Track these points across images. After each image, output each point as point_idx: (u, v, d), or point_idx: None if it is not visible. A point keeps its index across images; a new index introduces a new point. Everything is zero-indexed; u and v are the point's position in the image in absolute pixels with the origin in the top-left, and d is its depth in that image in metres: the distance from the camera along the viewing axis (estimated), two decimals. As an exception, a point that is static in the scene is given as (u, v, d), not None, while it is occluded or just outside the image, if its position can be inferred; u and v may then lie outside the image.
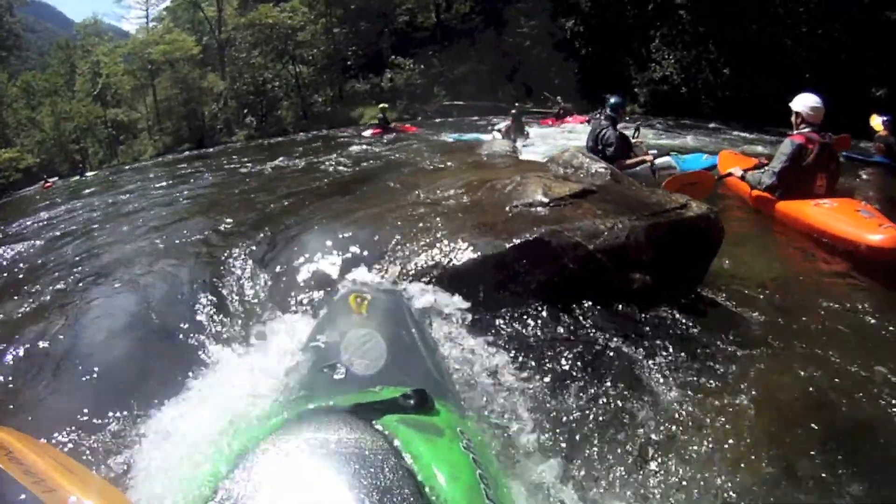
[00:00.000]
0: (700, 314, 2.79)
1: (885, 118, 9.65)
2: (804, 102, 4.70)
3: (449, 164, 5.50)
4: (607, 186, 3.39)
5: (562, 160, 4.22)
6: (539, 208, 2.97)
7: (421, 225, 3.14)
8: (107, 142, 47.16)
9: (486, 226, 2.92)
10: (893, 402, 2.13)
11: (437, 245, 2.85)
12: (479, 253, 2.68)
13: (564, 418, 2.04)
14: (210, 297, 3.21)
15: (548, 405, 2.10)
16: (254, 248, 3.75)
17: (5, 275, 4.96)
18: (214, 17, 41.76)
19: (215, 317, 3.06)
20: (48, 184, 28.66)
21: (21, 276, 4.80)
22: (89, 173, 31.51)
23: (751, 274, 3.53)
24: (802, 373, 2.34)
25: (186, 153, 32.06)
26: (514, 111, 13.36)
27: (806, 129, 4.67)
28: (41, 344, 2.96)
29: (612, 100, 6.30)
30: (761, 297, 3.15)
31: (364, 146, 12.77)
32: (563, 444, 1.93)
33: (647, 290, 2.71)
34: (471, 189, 3.70)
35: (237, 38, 39.19)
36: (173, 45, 40.67)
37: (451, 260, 2.73)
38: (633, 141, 6.52)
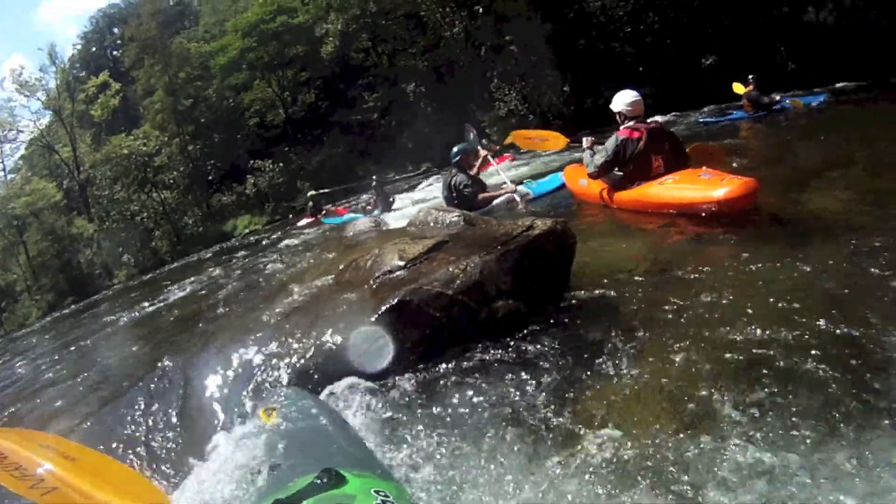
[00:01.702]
0: (573, 317, 2.95)
1: (749, 77, 11.05)
2: (621, 101, 5.02)
3: (315, 253, 5.58)
4: (460, 233, 3.57)
5: (419, 221, 4.40)
6: (398, 272, 3.10)
7: (298, 321, 3.19)
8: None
9: (354, 303, 3.02)
10: (775, 346, 2.25)
11: (316, 335, 2.91)
12: (352, 329, 2.77)
13: (465, 450, 2.11)
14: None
15: (450, 445, 2.17)
16: (148, 395, 3.62)
17: None
18: (70, 158, 40.07)
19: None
20: None
21: None
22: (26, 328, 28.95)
23: (614, 264, 3.68)
24: (681, 344, 2.46)
25: (72, 307, 30.19)
26: (374, 183, 13.51)
27: (630, 123, 4.93)
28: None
29: (454, 150, 6.68)
30: (629, 282, 3.27)
31: (237, 261, 12.65)
32: (470, 472, 2.00)
33: (516, 313, 2.88)
34: (338, 272, 3.80)
35: (97, 176, 37.83)
36: (35, 195, 38.27)
37: (330, 345, 2.81)
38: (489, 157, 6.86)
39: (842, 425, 1.79)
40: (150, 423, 3.22)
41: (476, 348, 2.74)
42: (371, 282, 3.18)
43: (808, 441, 1.76)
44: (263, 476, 1.73)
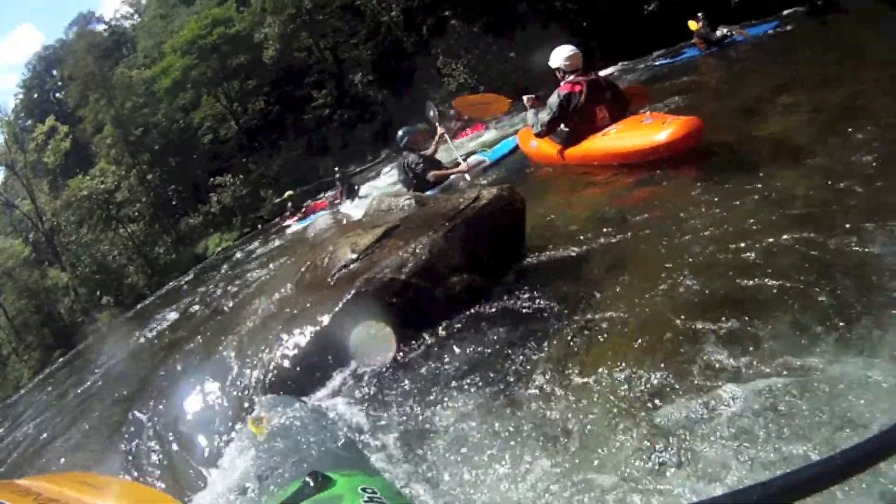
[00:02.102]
0: (532, 279, 2.97)
1: (699, 14, 11.13)
2: (558, 56, 5.00)
3: (282, 260, 5.56)
4: (410, 215, 3.57)
5: (373, 209, 4.38)
6: (352, 266, 3.10)
7: (267, 331, 3.18)
8: (-24, 384, 42.74)
9: (315, 304, 3.01)
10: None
11: (286, 341, 2.90)
12: (315, 329, 2.78)
13: (451, 435, 2.13)
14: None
15: (427, 426, 2.21)
16: (136, 433, 3.63)
17: None
18: (31, 210, 39.17)
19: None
20: None
21: None
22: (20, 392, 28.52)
23: (570, 221, 3.73)
24: (643, 285, 2.50)
25: (60, 360, 29.85)
26: (337, 176, 13.54)
27: (571, 78, 4.91)
28: None
29: (399, 134, 6.75)
30: (586, 236, 3.26)
31: (212, 281, 12.58)
32: (452, 452, 2.03)
33: (473, 286, 2.90)
34: (299, 276, 3.78)
35: (61, 223, 37.07)
36: (3, 254, 37.38)
37: (300, 349, 2.82)
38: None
39: (813, 341, 1.82)
40: (144, 459, 3.21)
41: (439, 327, 2.76)
42: (329, 279, 3.18)
43: (781, 364, 1.78)
44: (254, 489, 1.75)
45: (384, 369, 2.67)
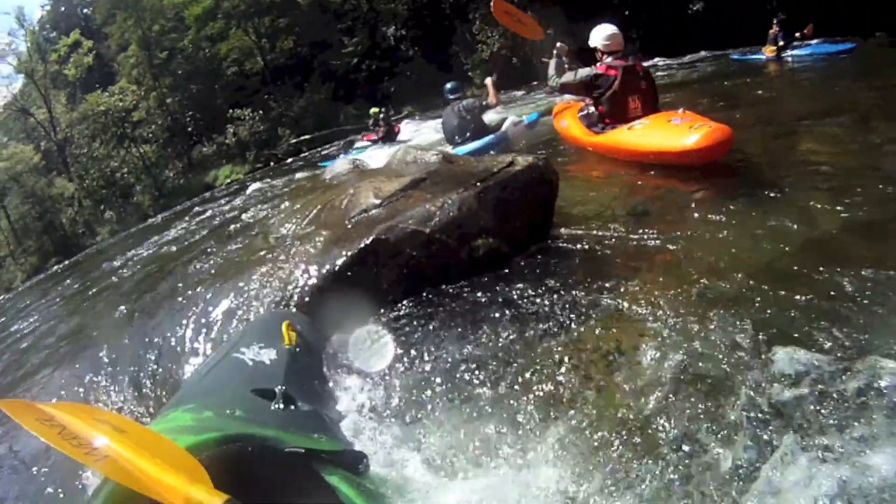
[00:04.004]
0: (556, 257, 2.89)
1: (774, 19, 10.82)
2: (598, 35, 4.79)
3: (294, 198, 5.45)
4: (438, 170, 3.44)
5: (397, 160, 4.25)
6: (373, 211, 2.98)
7: (274, 263, 3.08)
8: (-29, 278, 43.17)
9: (330, 243, 2.89)
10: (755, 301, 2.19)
11: (291, 276, 2.79)
12: (327, 268, 2.66)
13: (441, 393, 2.05)
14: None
15: (427, 388, 2.11)
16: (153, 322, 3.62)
17: None
18: (46, 119, 38.98)
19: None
20: None
21: None
22: (10, 293, 28.89)
23: (594, 206, 3.64)
24: (660, 282, 2.45)
25: (56, 268, 30.05)
26: (381, 116, 13.19)
27: (608, 59, 4.72)
28: None
29: (449, 86, 6.82)
30: (608, 224, 3.21)
31: (219, 210, 12.37)
32: (446, 416, 1.95)
33: (497, 251, 2.79)
34: (314, 214, 3.66)
35: (74, 135, 36.90)
36: (13, 159, 37.30)
37: (307, 286, 2.69)
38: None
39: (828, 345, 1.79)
40: (127, 381, 3.14)
41: (456, 288, 2.66)
42: (346, 221, 3.06)
43: (797, 368, 1.72)
44: (280, 402, 1.58)
45: (389, 322, 2.56)
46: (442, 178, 3.18)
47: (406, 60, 25.92)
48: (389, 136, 12.40)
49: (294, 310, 2.62)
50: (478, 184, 2.92)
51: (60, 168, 39.21)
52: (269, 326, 2.19)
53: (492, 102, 6.55)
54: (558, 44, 5.31)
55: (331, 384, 2.13)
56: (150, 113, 35.90)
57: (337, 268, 2.63)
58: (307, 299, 2.65)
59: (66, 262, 28.20)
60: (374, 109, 15.18)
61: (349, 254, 2.61)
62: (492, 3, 5.60)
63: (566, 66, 5.11)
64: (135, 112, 35.31)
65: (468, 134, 6.34)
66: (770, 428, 1.55)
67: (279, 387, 1.62)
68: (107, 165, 35.64)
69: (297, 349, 2.02)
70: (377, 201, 3.03)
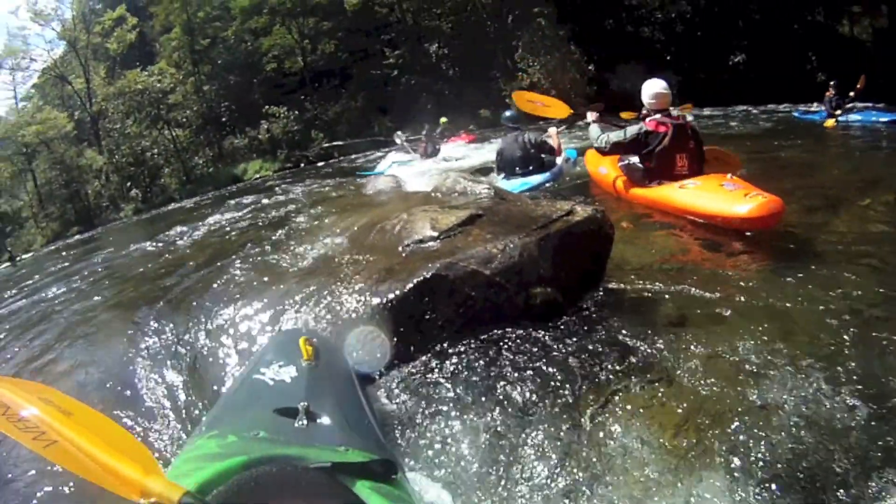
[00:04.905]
0: (608, 312, 2.84)
1: (831, 82, 10.83)
2: (647, 93, 4.83)
3: (334, 209, 5.42)
4: (493, 207, 3.42)
5: (445, 188, 4.24)
6: (430, 243, 2.95)
7: (316, 281, 3.05)
8: (-7, 237, 43.74)
9: (382, 271, 2.86)
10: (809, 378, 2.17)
11: (337, 300, 2.75)
12: (379, 300, 2.60)
13: (500, 458, 1.98)
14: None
15: (472, 429, 2.10)
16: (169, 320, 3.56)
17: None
18: (83, 89, 39.51)
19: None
20: None
21: None
22: (25, 255, 29.29)
23: (642, 264, 3.61)
24: (711, 350, 2.41)
25: (76, 237, 30.32)
26: (425, 130, 13.92)
27: (657, 116, 4.75)
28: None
29: (508, 114, 6.79)
30: (659, 282, 3.21)
31: (248, 205, 12.36)
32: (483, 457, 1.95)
33: (552, 301, 2.74)
34: (361, 234, 3.64)
35: (109, 109, 37.38)
36: (46, 123, 37.55)
37: (353, 313, 2.64)
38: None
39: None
40: (165, 365, 3.09)
41: (509, 333, 2.61)
42: (400, 249, 3.03)
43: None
44: (303, 419, 1.58)
45: (438, 359, 2.52)
46: (500, 218, 3.15)
47: (446, 79, 26.09)
48: (432, 152, 12.86)
49: (316, 328, 2.61)
50: (537, 230, 2.89)
51: (92, 140, 39.78)
52: (287, 344, 2.18)
53: (555, 147, 6.60)
54: (589, 113, 5.47)
55: (361, 396, 2.08)
56: (187, 98, 36.33)
57: (391, 298, 2.58)
58: (357, 326, 2.59)
59: (87, 234, 28.47)
60: (443, 119, 15.70)
61: (406, 286, 2.57)
62: (513, 95, 5.71)
63: (603, 126, 5.21)
64: (171, 95, 35.71)
65: (530, 167, 6.36)
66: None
67: (301, 403, 1.63)
68: (138, 144, 36.02)
69: (317, 364, 2.01)
70: (434, 233, 3.00)
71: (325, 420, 1.62)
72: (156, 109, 35.59)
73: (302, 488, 1.04)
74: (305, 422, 1.56)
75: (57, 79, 41.77)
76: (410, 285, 2.58)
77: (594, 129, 5.17)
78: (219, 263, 4.90)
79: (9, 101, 45.19)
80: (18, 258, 28.13)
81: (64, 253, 18.63)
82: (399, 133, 14.89)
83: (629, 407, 2.12)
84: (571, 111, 5.88)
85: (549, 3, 21.06)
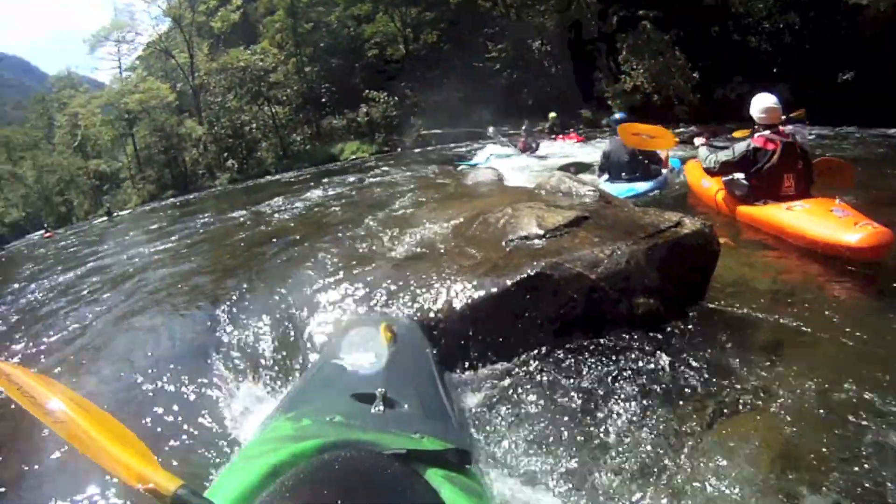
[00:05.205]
0: (708, 329, 2.77)
1: None
2: (756, 107, 4.67)
3: (435, 196, 5.49)
4: (599, 211, 3.39)
5: (549, 185, 4.24)
6: (536, 241, 2.96)
7: (417, 266, 3.12)
8: (90, 193, 47.00)
9: (485, 263, 2.90)
10: None
11: (437, 287, 2.80)
12: (482, 293, 2.64)
13: (591, 466, 1.96)
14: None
15: (574, 452, 2.04)
16: (253, 292, 3.78)
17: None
18: (186, 63, 41.70)
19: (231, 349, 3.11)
20: (49, 234, 28.93)
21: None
22: (123, 212, 31.39)
23: (742, 283, 3.49)
24: (819, 384, 2.28)
25: (171, 200, 32.10)
26: (524, 126, 14.27)
27: (766, 133, 4.60)
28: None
29: (618, 116, 6.95)
30: (761, 302, 3.12)
31: (344, 184, 12.65)
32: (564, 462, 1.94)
33: (654, 312, 2.70)
34: (464, 224, 3.70)
35: (211, 83, 39.41)
36: (148, 93, 40.40)
37: (453, 302, 2.68)
38: None
39: None
40: (249, 334, 3.24)
41: (608, 340, 2.60)
42: (503, 243, 3.06)
43: None
44: (380, 405, 1.61)
45: (536, 358, 2.53)
46: (607, 223, 3.13)
47: (548, 76, 25.83)
48: (532, 149, 13.01)
49: (395, 314, 2.64)
50: (646, 238, 2.85)
51: (192, 111, 41.94)
52: (367, 329, 2.23)
53: (663, 156, 6.55)
54: (696, 139, 5.42)
55: (439, 385, 2.07)
56: (288, 77, 37.60)
57: (493, 291, 2.61)
58: (450, 316, 2.63)
59: (181, 198, 29.91)
60: (552, 115, 15.82)
61: (510, 282, 2.60)
62: (618, 130, 5.65)
63: (711, 146, 5.16)
64: (273, 74, 37.06)
65: (638, 174, 6.32)
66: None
67: (378, 389, 1.63)
68: (237, 117, 37.70)
69: (396, 350, 2.03)
70: (540, 231, 3.01)
71: (401, 407, 1.64)
72: (256, 86, 37.12)
73: (375, 474, 1.04)
74: (382, 408, 1.58)
75: (161, 52, 44.28)
76: (514, 281, 2.60)
77: (703, 151, 5.11)
78: (314, 240, 5.07)
79: (113, 70, 48.60)
80: (116, 214, 30.20)
81: (161, 213, 19.65)
82: (492, 128, 15.04)
83: (729, 434, 2.04)
84: (677, 141, 5.78)
85: (655, 6, 20.43)
